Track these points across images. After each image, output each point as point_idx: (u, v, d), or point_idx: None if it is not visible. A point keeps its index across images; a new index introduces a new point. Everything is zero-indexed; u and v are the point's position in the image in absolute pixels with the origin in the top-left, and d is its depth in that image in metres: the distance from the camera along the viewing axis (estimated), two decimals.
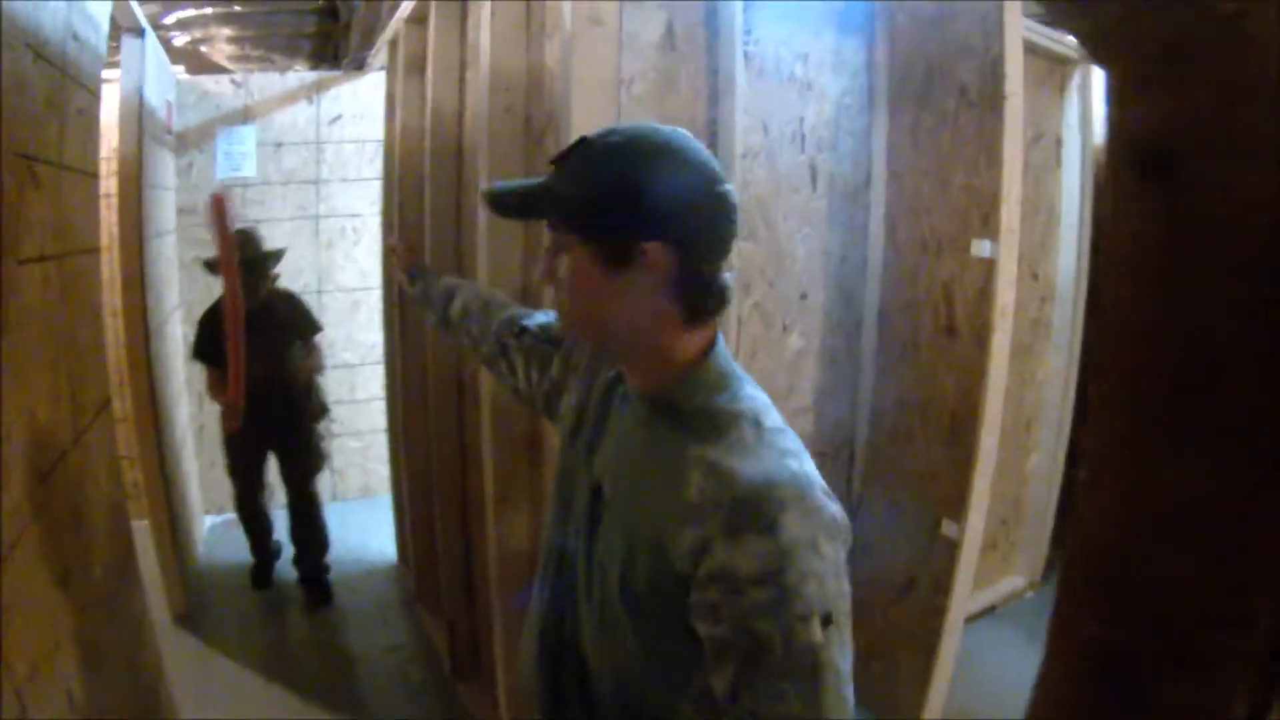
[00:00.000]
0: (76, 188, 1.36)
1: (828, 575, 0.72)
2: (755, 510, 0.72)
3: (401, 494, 3.19)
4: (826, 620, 0.71)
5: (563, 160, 0.83)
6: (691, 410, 0.81)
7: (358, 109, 4.08)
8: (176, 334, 3.59)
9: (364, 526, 3.79)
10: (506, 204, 0.89)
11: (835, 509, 0.75)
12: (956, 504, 1.97)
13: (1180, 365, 0.54)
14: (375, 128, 3.78)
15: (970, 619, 2.41)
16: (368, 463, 4.32)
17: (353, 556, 3.48)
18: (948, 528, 2.00)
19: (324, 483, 4.10)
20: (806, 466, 0.77)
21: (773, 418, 0.80)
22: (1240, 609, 0.51)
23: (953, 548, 1.98)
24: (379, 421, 3.95)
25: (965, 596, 2.04)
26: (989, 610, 2.88)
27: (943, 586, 2.00)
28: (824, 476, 0.78)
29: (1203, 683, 0.53)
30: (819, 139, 2.02)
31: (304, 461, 3.13)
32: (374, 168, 4.04)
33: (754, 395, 0.82)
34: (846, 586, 0.74)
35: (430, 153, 2.32)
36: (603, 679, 0.86)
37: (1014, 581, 3.02)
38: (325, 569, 3.17)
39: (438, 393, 2.43)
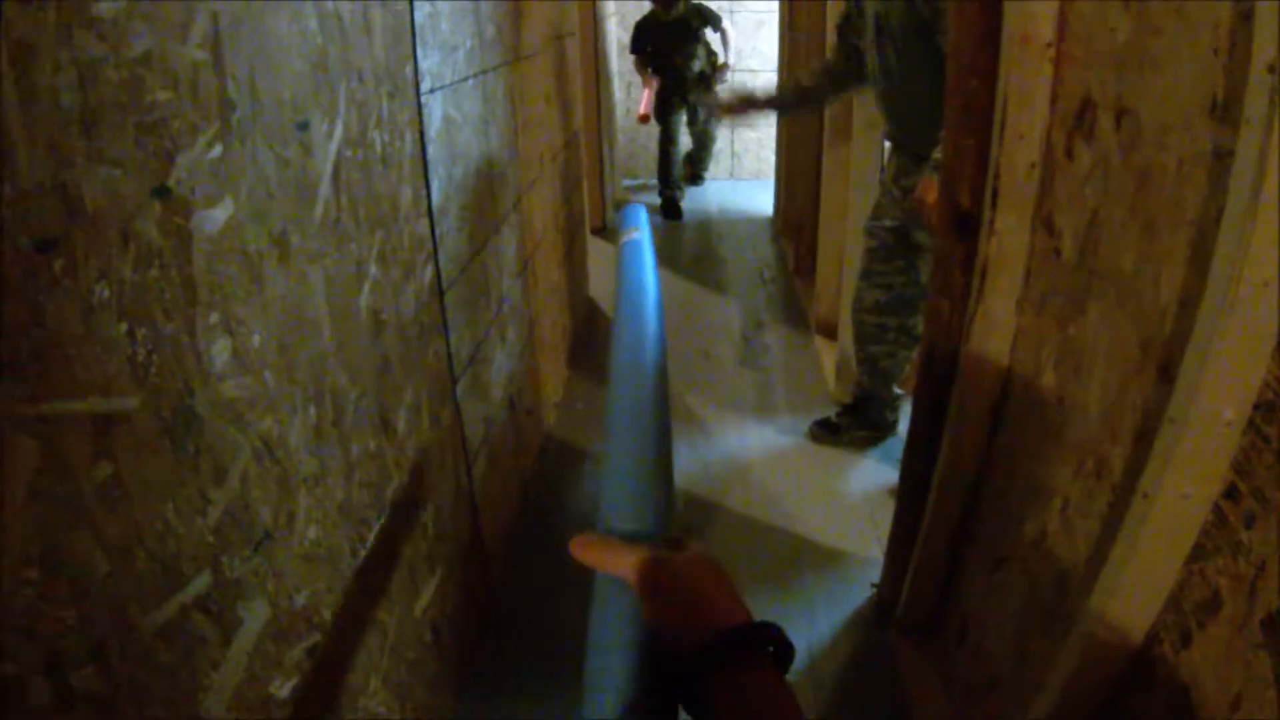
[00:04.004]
0: None
1: None
2: None
3: (780, 176, 4.28)
4: None
5: None
6: None
7: None
8: (612, 32, 4.91)
9: (753, 195, 5.04)
10: None
11: None
12: None
13: None
14: None
15: None
16: (761, 150, 5.46)
17: (743, 213, 4.77)
18: None
19: (724, 163, 5.39)
20: None
21: None
22: None
23: None
24: (772, 118, 4.96)
25: None
26: None
27: None
28: None
29: None
30: None
31: (706, 110, 4.76)
32: None
33: None
34: None
35: None
36: (902, 98, 1.95)
37: None
38: (681, 193, 4.90)
39: None
